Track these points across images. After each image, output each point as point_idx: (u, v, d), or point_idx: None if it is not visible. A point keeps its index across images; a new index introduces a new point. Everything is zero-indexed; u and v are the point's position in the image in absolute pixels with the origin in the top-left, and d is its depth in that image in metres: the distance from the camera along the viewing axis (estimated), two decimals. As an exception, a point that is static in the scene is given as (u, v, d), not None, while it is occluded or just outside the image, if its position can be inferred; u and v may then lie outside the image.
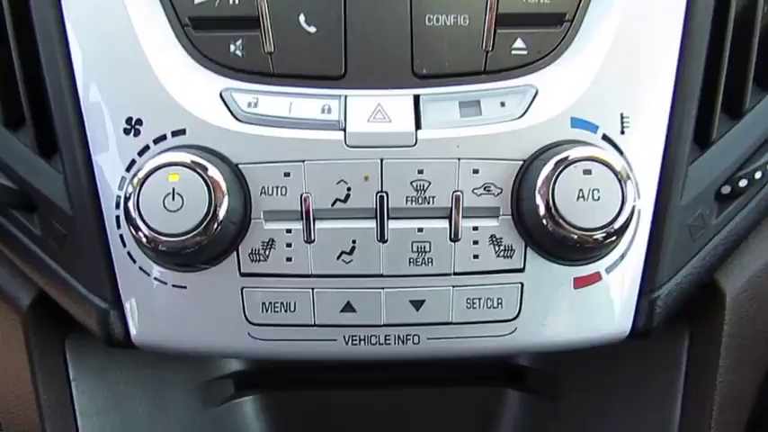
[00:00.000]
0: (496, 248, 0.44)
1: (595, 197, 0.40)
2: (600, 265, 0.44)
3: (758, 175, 0.48)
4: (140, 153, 0.43)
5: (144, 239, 0.41)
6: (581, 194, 0.40)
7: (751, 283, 0.51)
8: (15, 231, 0.48)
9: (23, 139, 0.48)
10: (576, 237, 0.40)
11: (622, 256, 0.44)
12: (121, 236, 0.44)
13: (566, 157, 0.41)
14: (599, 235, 0.41)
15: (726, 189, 0.48)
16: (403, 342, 0.45)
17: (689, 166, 0.47)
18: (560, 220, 0.40)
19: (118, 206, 0.44)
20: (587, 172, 0.40)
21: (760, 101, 0.49)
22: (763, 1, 0.49)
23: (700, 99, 0.47)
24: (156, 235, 0.40)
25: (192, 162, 0.41)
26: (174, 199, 0.40)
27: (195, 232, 0.40)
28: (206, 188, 0.40)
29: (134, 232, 0.41)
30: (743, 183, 0.48)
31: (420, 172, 0.43)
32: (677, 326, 0.53)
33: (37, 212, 0.48)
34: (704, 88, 0.47)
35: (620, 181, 0.40)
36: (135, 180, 0.41)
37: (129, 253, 0.44)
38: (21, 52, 0.47)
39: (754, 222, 0.49)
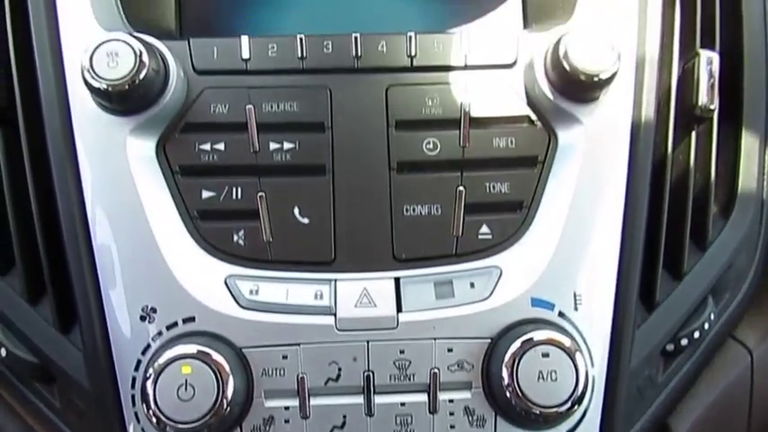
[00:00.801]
0: (470, 418, 0.49)
1: (553, 378, 0.47)
2: (561, 429, 0.50)
3: (697, 334, 0.54)
4: (154, 338, 0.49)
5: (158, 424, 0.46)
6: (541, 376, 0.47)
7: (698, 424, 0.57)
8: (36, 401, 0.53)
9: (43, 312, 0.54)
10: (538, 412, 0.46)
11: (581, 419, 0.50)
12: (136, 413, 0.49)
13: (528, 339, 0.48)
14: (558, 410, 0.47)
15: (670, 347, 0.54)
16: (390, 504, 0.50)
17: (636, 330, 0.53)
18: (524, 399, 0.46)
19: (133, 386, 0.49)
20: (545, 355, 0.47)
21: (698, 261, 0.57)
22: (694, 170, 0.57)
23: (643, 263, 0.54)
24: (170, 422, 0.45)
25: (199, 352, 0.47)
26: (186, 389, 0.46)
27: (205, 419, 0.45)
28: (214, 377, 0.46)
29: (147, 412, 0.46)
30: (684, 342, 0.54)
31: (402, 352, 0.49)
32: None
33: (56, 384, 0.53)
34: (646, 253, 0.54)
35: (575, 364, 0.47)
36: (151, 370, 0.46)
37: (142, 429, 0.49)
38: (46, 237, 0.53)
39: (695, 375, 0.56)
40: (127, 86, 0.48)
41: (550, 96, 0.52)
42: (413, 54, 0.53)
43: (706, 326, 0.54)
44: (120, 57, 0.48)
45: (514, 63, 0.54)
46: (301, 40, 0.53)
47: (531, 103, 0.54)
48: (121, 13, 0.54)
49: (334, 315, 0.49)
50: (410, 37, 0.53)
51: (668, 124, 0.56)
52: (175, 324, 0.49)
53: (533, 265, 0.51)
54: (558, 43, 0.51)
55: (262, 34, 0.57)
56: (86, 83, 0.48)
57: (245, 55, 0.53)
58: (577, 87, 0.51)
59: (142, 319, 0.49)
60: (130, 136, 0.50)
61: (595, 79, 0.50)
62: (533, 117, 0.53)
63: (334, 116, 0.52)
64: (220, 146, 0.52)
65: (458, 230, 0.52)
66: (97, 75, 0.48)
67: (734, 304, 0.58)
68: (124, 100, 0.49)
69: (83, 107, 0.51)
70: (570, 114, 0.52)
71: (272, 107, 0.52)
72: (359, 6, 0.61)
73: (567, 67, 0.50)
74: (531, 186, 0.52)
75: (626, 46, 0.54)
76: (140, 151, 0.51)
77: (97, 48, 0.48)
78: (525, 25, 0.60)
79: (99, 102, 0.50)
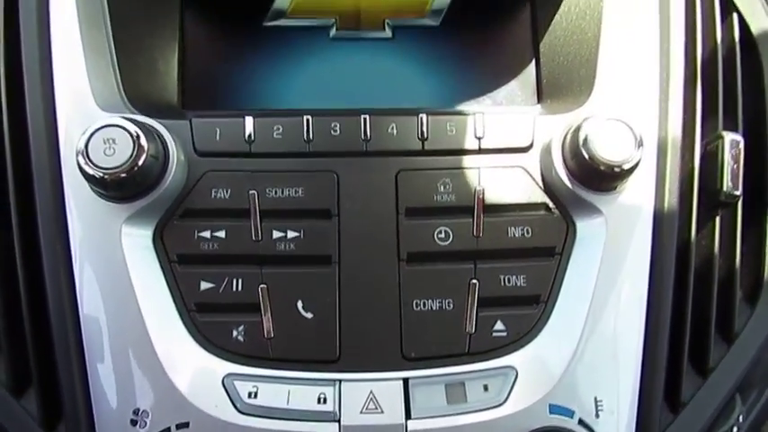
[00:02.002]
0: None
1: (576, 499, 0.43)
2: None
3: (725, 439, 0.51)
4: None
5: None
6: (563, 496, 0.43)
7: None
8: None
9: (28, 405, 0.50)
10: None
11: None
12: None
13: (546, 453, 0.44)
14: None
15: (697, 452, 0.51)
16: None
17: None
18: None
19: None
20: (567, 473, 0.44)
21: (725, 354, 0.54)
22: (718, 256, 0.55)
23: (668, 360, 0.51)
24: None
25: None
26: (178, 508, 0.42)
27: None
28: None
29: None
30: (712, 447, 0.51)
31: (410, 464, 0.46)
32: None
33: None
34: (671, 349, 0.51)
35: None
36: None
37: None
38: (33, 325, 0.50)
39: (725, 483, 0.53)
40: (124, 174, 0.46)
41: (568, 184, 0.50)
42: (424, 137, 0.51)
43: (735, 429, 0.51)
44: (117, 144, 0.46)
45: (530, 146, 0.52)
46: (308, 120, 0.51)
47: (547, 189, 0.51)
48: (121, 89, 0.52)
49: (339, 422, 0.46)
50: (421, 118, 0.51)
51: (691, 210, 0.53)
52: (168, 430, 0.46)
53: (551, 367, 0.48)
54: (577, 130, 0.49)
55: (266, 108, 0.55)
56: (81, 170, 0.46)
57: (250, 136, 0.50)
58: (597, 176, 0.49)
59: (133, 423, 0.46)
60: (126, 224, 0.48)
61: (616, 170, 0.48)
62: (550, 204, 0.51)
63: (342, 202, 0.50)
64: (221, 233, 0.49)
65: (471, 327, 0.48)
66: (93, 162, 0.45)
67: (761, 402, 0.54)
68: (121, 188, 0.47)
69: (77, 191, 0.49)
70: (589, 203, 0.50)
71: (276, 192, 0.50)
72: (366, 79, 0.59)
73: (587, 156, 0.48)
74: (548, 279, 0.50)
75: (647, 128, 0.52)
76: (136, 240, 0.48)
77: (93, 134, 0.46)
78: (539, 100, 0.58)
79: (94, 188, 0.48)
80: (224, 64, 0.59)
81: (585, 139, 0.48)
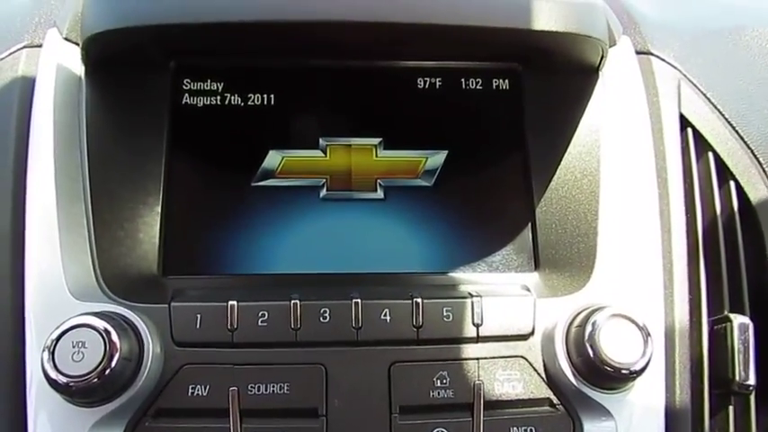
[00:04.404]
0: None
1: None
2: None
3: None
4: None
5: None
6: None
7: None
8: None
9: None
10: None
11: None
12: None
13: None
14: None
15: None
16: None
17: None
18: None
19: None
20: None
21: None
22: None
23: None
24: None
25: None
26: None
27: None
28: None
29: None
30: None
31: None
32: None
33: None
34: None
35: None
36: None
37: None
38: None
39: None
40: (94, 380, 0.42)
41: (573, 381, 0.46)
42: (419, 324, 0.48)
43: None
44: (87, 347, 0.42)
45: (531, 333, 0.49)
46: (295, 306, 0.47)
47: (550, 382, 0.48)
48: (96, 270, 0.48)
49: None
50: (416, 303, 0.48)
51: (703, 404, 0.50)
52: None
53: None
54: (581, 325, 0.46)
55: (251, 273, 0.52)
56: (46, 375, 0.42)
57: (233, 324, 0.47)
58: (604, 376, 0.46)
59: None
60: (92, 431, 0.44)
61: (624, 372, 0.45)
62: (554, 400, 0.47)
63: (329, 400, 0.46)
64: None
65: None
66: (58, 369, 0.42)
67: None
68: (89, 395, 0.43)
69: (41, 392, 0.44)
70: (597, 403, 0.47)
71: (258, 389, 0.46)
72: (356, 241, 0.56)
73: (592, 354, 0.45)
74: None
75: (652, 315, 0.49)
76: (102, 447, 0.44)
77: (61, 336, 0.42)
78: (536, 266, 0.56)
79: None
80: (209, 225, 0.56)
81: (590, 336, 0.45)
